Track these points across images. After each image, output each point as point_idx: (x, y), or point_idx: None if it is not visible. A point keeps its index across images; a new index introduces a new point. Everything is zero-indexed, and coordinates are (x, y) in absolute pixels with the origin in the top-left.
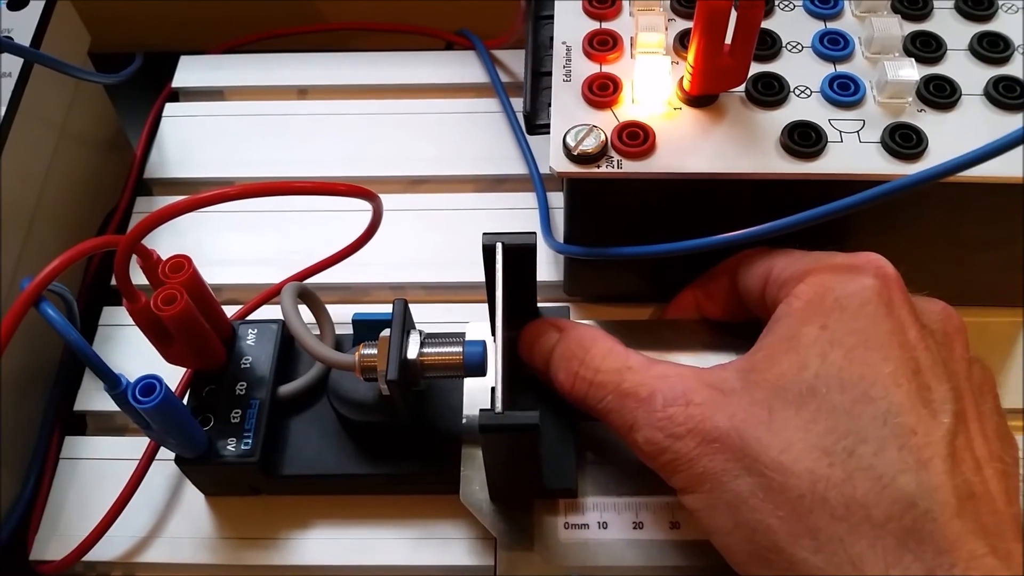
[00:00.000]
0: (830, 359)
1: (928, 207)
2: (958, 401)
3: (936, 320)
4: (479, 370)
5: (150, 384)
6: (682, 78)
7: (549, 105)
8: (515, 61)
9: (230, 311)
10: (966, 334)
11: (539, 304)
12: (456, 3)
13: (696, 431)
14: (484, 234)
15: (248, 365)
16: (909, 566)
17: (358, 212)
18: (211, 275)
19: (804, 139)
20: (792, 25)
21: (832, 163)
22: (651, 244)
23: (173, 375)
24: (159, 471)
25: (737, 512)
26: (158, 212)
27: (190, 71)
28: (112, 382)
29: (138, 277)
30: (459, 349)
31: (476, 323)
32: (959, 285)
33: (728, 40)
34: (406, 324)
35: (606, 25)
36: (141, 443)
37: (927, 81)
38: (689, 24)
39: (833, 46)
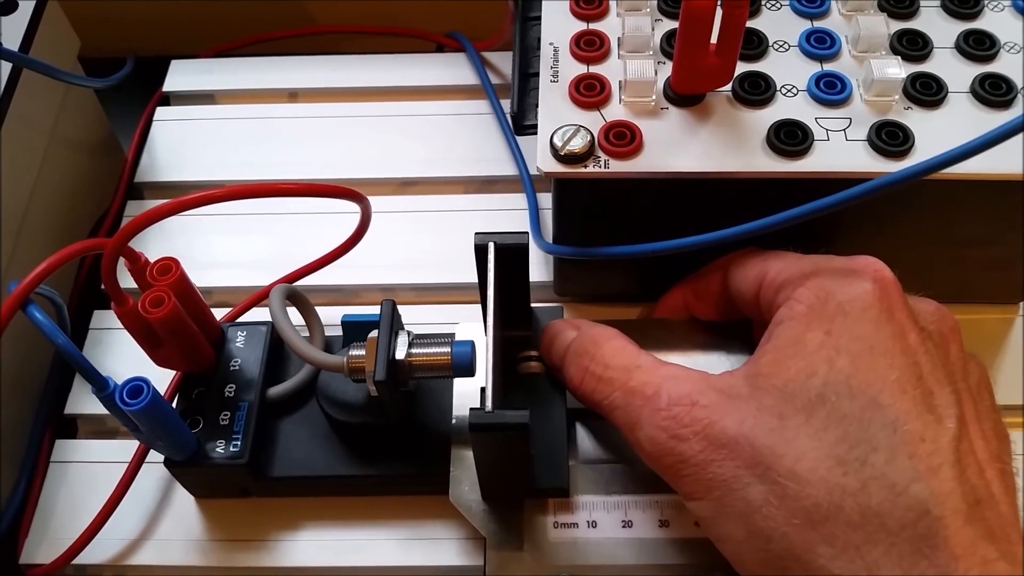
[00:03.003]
0: (837, 366)
1: (918, 205)
2: (959, 404)
3: (932, 321)
4: (467, 370)
5: (137, 386)
6: (669, 78)
7: (537, 106)
8: (505, 63)
9: (220, 314)
10: (960, 333)
11: (531, 305)
12: (446, 5)
13: (702, 434)
14: (476, 234)
15: (237, 367)
16: (925, 572)
17: (347, 214)
18: (201, 278)
19: (790, 138)
20: (779, 24)
21: (818, 161)
22: (639, 243)
23: (163, 378)
24: (149, 474)
25: (750, 520)
26: (144, 215)
27: (181, 75)
28: (100, 384)
29: (128, 281)
30: (447, 349)
31: (466, 323)
32: (951, 283)
33: (714, 40)
34: (394, 325)
35: (593, 26)
36: (131, 446)
37: (913, 79)
38: (675, 24)
39: (820, 45)
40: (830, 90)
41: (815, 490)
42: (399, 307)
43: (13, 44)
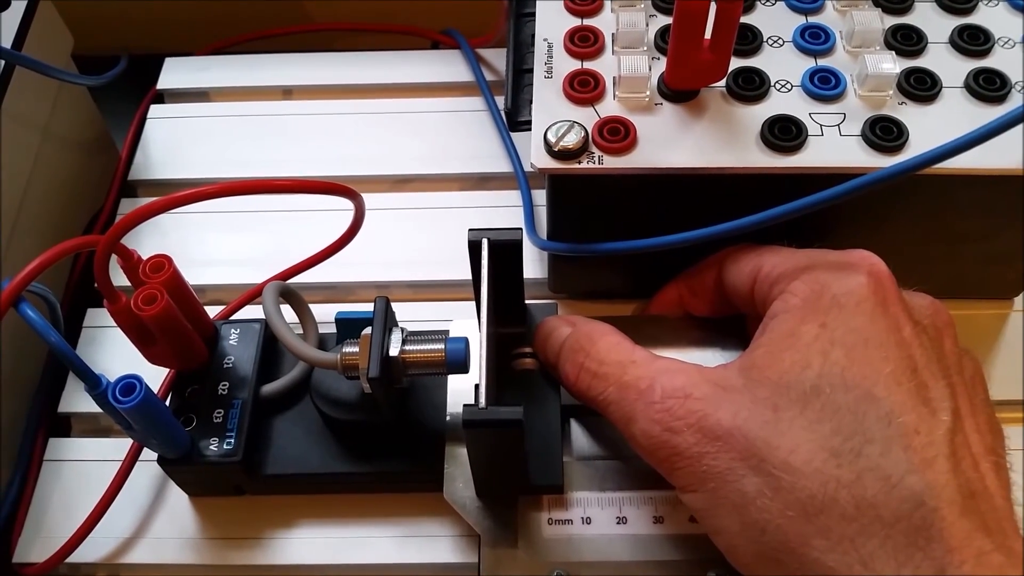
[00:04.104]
0: (832, 358)
1: (912, 200)
2: (954, 398)
3: (926, 315)
4: (461, 367)
5: (130, 384)
6: (663, 74)
7: (531, 102)
8: (500, 59)
9: (213, 311)
10: (954, 327)
11: (526, 302)
12: (441, 2)
13: (696, 427)
14: (470, 230)
15: (231, 365)
16: (920, 564)
17: (342, 211)
18: (195, 275)
19: (785, 133)
20: (773, 20)
21: (813, 157)
22: (634, 239)
23: (156, 376)
24: (143, 472)
25: (744, 512)
26: (136, 212)
27: (175, 72)
28: (92, 382)
29: (121, 278)
30: (441, 346)
31: (460, 320)
32: (945, 278)
33: (708, 35)
34: (388, 322)
35: (587, 22)
36: (125, 444)
37: (908, 74)
38: (669, 20)
39: (814, 40)
40: (824, 85)
41: (809, 482)
42: (393, 304)
43: (6, 41)
